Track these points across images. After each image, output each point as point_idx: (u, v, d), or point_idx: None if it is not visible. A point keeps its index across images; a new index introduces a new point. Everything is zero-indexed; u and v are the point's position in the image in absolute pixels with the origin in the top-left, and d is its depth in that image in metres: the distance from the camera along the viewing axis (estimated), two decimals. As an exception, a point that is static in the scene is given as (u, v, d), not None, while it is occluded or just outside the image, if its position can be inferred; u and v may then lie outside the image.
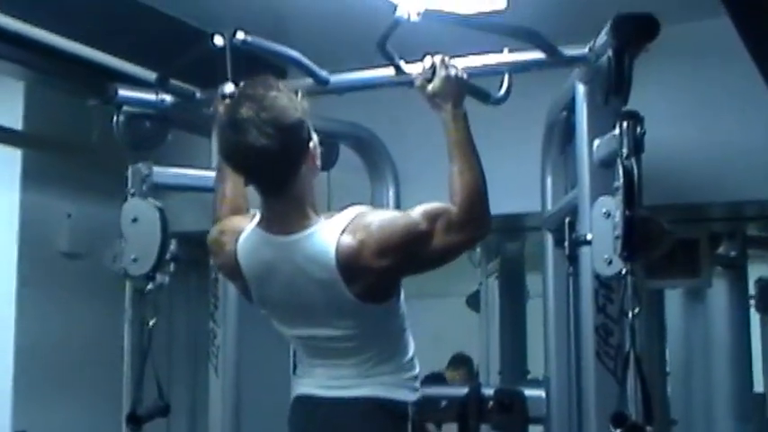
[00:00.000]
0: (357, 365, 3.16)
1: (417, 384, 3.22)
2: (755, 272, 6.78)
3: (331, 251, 2.98)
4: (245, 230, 3.19)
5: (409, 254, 3.02)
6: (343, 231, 3.00)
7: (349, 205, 3.10)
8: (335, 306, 3.07)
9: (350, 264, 2.98)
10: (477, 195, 3.08)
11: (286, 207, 3.07)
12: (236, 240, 3.19)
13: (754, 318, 6.80)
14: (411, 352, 3.25)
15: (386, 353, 3.18)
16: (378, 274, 3.02)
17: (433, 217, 3.02)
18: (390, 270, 3.04)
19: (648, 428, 3.19)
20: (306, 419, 3.25)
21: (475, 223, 3.10)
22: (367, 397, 3.13)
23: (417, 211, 3.04)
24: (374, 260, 2.98)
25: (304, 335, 3.22)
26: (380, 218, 3.07)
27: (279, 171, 3.01)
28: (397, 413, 3.14)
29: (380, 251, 2.97)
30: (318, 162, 3.16)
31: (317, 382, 3.22)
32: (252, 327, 3.57)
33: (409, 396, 3.18)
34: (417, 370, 3.26)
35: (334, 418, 3.17)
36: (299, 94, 3.08)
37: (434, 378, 6.59)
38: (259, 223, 3.14)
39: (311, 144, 3.09)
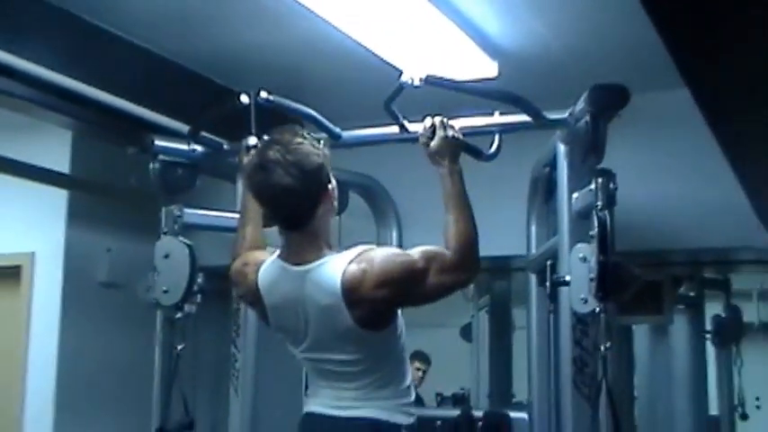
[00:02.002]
0: (358, 389, 3.15)
1: (412, 410, 3.21)
2: (711, 310, 6.78)
3: (338, 279, 3.00)
4: (265, 262, 3.22)
5: (405, 288, 3.05)
6: (350, 262, 3.02)
7: (358, 244, 3.11)
8: (339, 331, 3.07)
9: (352, 291, 2.99)
10: (469, 243, 3.11)
11: (303, 240, 3.10)
12: (257, 271, 3.22)
13: (710, 350, 6.79)
14: (408, 380, 3.24)
15: (385, 379, 3.17)
16: (376, 303, 3.03)
17: (429, 258, 3.05)
18: (387, 300, 3.05)
19: (617, 448, 3.18)
20: None
21: (466, 267, 3.13)
22: (366, 418, 3.13)
23: (416, 251, 3.07)
24: (374, 290, 2.99)
25: (313, 357, 3.21)
26: (384, 254, 3.09)
27: (300, 207, 3.05)
28: None
29: (380, 282, 2.99)
30: (335, 203, 3.19)
31: (323, 401, 3.22)
32: (269, 352, 3.57)
33: (404, 420, 3.17)
34: (413, 397, 3.25)
35: None
36: (322, 143, 3.12)
37: (457, 398, 6.62)
38: (279, 255, 3.16)
39: (330, 186, 3.12)
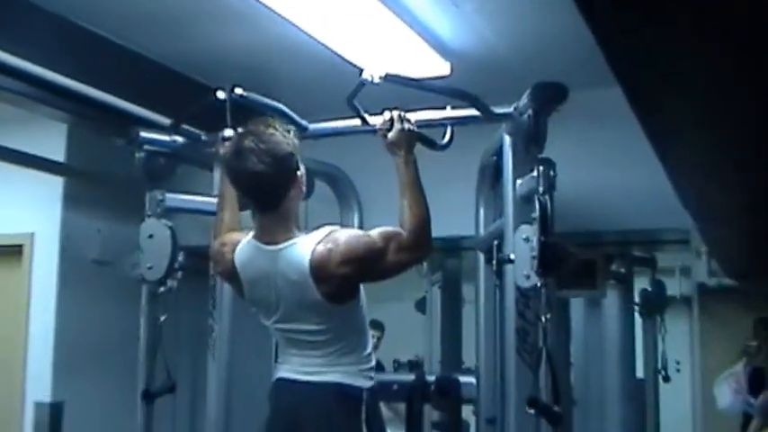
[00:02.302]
0: (324, 356, 3.16)
1: (372, 374, 3.22)
2: (639, 284, 6.80)
3: (306, 258, 3.01)
4: (241, 242, 3.22)
5: (367, 265, 3.06)
6: (318, 243, 3.03)
7: (324, 225, 3.13)
8: (307, 304, 3.08)
9: (320, 268, 3.01)
10: (422, 224, 3.10)
11: (275, 222, 3.10)
12: (234, 250, 3.22)
13: (638, 320, 6.80)
14: (369, 348, 3.25)
15: (348, 347, 3.17)
16: (341, 279, 3.04)
17: (388, 238, 3.07)
18: (351, 276, 3.06)
19: (556, 408, 3.17)
20: (282, 397, 3.26)
21: (420, 246, 3.13)
22: (331, 382, 3.14)
23: (376, 232, 3.09)
24: (339, 267, 3.01)
25: (283, 328, 3.21)
26: (347, 235, 3.11)
27: (271, 192, 3.06)
28: (354, 396, 3.14)
29: (345, 261, 3.01)
30: (304, 188, 3.20)
31: (293, 368, 3.22)
32: (242, 323, 3.55)
33: (365, 383, 3.18)
34: (373, 362, 3.26)
35: (304, 397, 3.18)
36: (292, 133, 3.13)
37: (413, 364, 6.62)
38: (253, 236, 3.16)
39: (299, 173, 3.12)
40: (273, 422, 3.29)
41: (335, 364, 3.16)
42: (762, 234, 4.18)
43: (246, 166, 2.99)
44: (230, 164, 3.10)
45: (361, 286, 3.18)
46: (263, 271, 3.14)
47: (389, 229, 3.11)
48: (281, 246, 3.08)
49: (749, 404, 6.32)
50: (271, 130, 3.05)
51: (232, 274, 3.27)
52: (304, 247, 3.05)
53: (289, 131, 3.12)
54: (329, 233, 3.09)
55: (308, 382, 3.18)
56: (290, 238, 3.08)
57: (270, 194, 3.07)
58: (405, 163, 3.21)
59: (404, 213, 3.13)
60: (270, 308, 3.21)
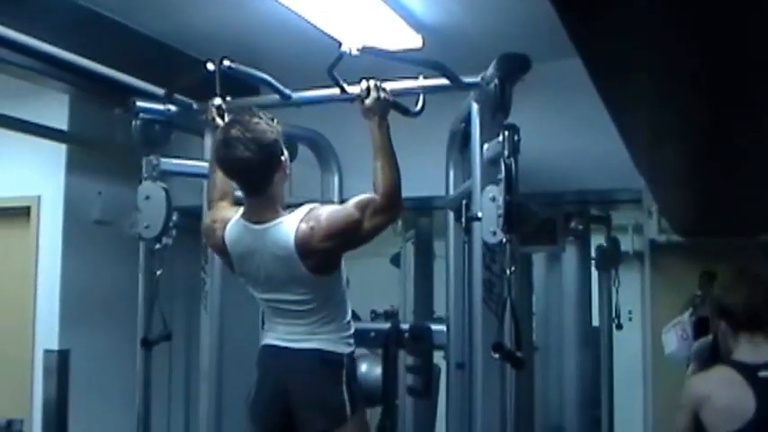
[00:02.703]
0: (308, 325, 3.18)
1: (352, 341, 3.26)
2: (596, 241, 6.79)
3: (291, 236, 3.03)
4: (231, 220, 3.21)
5: (348, 237, 3.08)
6: (300, 221, 3.04)
7: (305, 202, 3.16)
8: (293, 277, 3.09)
9: (304, 245, 3.03)
10: (393, 186, 3.12)
11: (262, 204, 3.11)
12: (224, 227, 3.22)
13: (594, 274, 6.81)
14: (348, 316, 3.27)
15: (330, 316, 3.19)
16: (324, 253, 3.07)
17: (363, 207, 3.09)
18: (333, 249, 3.09)
19: (518, 353, 3.17)
20: (270, 362, 3.30)
21: (393, 207, 3.15)
22: (314, 348, 3.17)
23: (351, 204, 3.11)
24: (321, 243, 3.04)
25: (270, 298, 3.23)
26: (327, 211, 3.11)
27: (258, 177, 3.06)
28: (335, 361, 3.18)
29: (327, 236, 3.04)
30: (288, 172, 3.18)
31: (278, 335, 3.26)
32: (232, 277, 3.52)
33: (345, 349, 3.22)
34: (352, 330, 3.28)
35: (289, 362, 3.22)
36: (275, 121, 3.12)
37: (388, 314, 6.64)
38: (242, 215, 3.17)
39: (283, 158, 3.12)
40: (262, 385, 3.31)
41: (318, 332, 3.19)
42: (707, 195, 4.17)
43: (234, 154, 2.98)
44: (218, 152, 3.08)
45: (342, 261, 3.21)
46: (251, 248, 3.14)
47: (363, 197, 3.13)
48: (267, 225, 3.09)
49: (694, 350, 6.36)
50: (256, 119, 3.04)
51: (222, 250, 3.28)
52: (288, 225, 3.06)
53: (272, 119, 3.12)
54: (310, 211, 3.10)
55: (292, 349, 3.21)
56: (276, 218, 3.09)
57: (257, 179, 3.07)
58: (378, 128, 3.21)
59: (377, 175, 3.13)
60: (258, 281, 3.22)
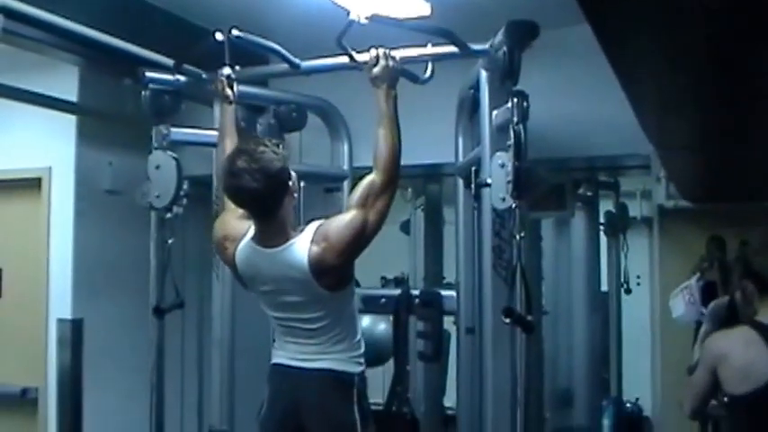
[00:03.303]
0: (319, 344, 3.18)
1: (362, 360, 3.25)
2: (604, 206, 6.80)
3: (304, 259, 3.02)
4: (242, 241, 3.19)
5: (358, 244, 3.07)
6: (311, 243, 3.03)
7: (311, 221, 3.14)
8: (309, 297, 3.09)
9: (318, 266, 3.02)
10: (393, 157, 3.12)
11: (272, 228, 3.09)
12: (236, 248, 3.20)
13: (603, 239, 6.82)
14: (359, 335, 3.27)
15: (341, 335, 3.19)
16: (340, 268, 3.07)
17: (364, 200, 3.08)
18: (348, 261, 3.10)
19: (528, 318, 3.17)
20: (281, 381, 3.29)
21: (392, 181, 3.14)
22: (324, 368, 3.18)
23: (353, 204, 3.10)
24: (336, 259, 3.03)
25: (283, 317, 3.22)
26: (333, 227, 3.07)
27: (266, 204, 3.04)
28: (345, 381, 3.18)
29: (339, 253, 3.02)
30: (296, 194, 3.16)
31: (289, 354, 3.25)
32: None
33: (356, 369, 3.22)
34: (362, 349, 3.27)
35: (301, 382, 3.21)
36: (281, 146, 3.08)
37: (399, 281, 6.67)
38: (252, 238, 3.15)
39: (290, 182, 3.08)
40: (273, 403, 3.31)
41: (329, 352, 3.19)
42: (715, 160, 4.18)
43: (242, 185, 2.97)
44: (226, 182, 3.07)
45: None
46: (263, 271, 3.14)
47: (362, 187, 3.12)
48: (279, 248, 3.08)
49: (701, 313, 6.37)
50: (261, 148, 3.02)
51: (233, 268, 3.28)
52: (300, 248, 3.05)
53: (278, 145, 3.09)
54: (317, 229, 3.08)
55: (303, 368, 3.21)
56: (287, 240, 3.08)
57: (265, 207, 3.06)
58: (386, 96, 3.22)
59: (378, 141, 3.13)
60: (271, 301, 3.22)
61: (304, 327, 3.18)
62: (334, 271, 3.05)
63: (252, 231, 3.17)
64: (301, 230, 3.11)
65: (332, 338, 3.18)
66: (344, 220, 3.09)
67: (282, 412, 3.26)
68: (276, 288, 3.14)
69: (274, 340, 3.36)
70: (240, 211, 3.24)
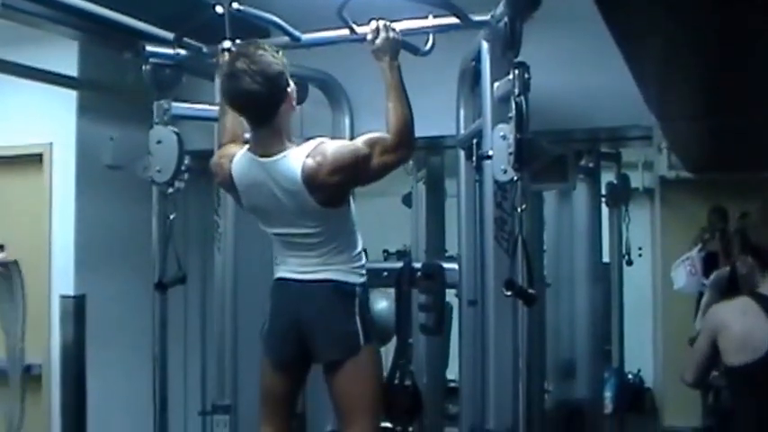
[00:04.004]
0: (319, 256, 3.21)
1: (363, 271, 3.28)
2: (606, 178, 6.80)
3: (298, 170, 3.03)
4: (237, 154, 3.22)
5: (355, 171, 3.08)
6: (307, 156, 3.04)
7: (313, 137, 3.14)
8: (303, 210, 3.10)
9: (311, 180, 3.03)
10: (405, 125, 3.13)
11: (268, 135, 3.10)
12: (231, 161, 3.23)
13: (605, 210, 6.83)
14: (360, 247, 3.30)
15: (341, 247, 3.22)
16: (332, 187, 3.07)
17: (372, 143, 3.10)
18: (341, 183, 3.09)
19: (530, 290, 3.17)
20: (282, 295, 3.32)
21: (404, 146, 3.16)
22: (326, 279, 3.21)
23: (361, 140, 3.12)
24: (329, 177, 3.04)
25: (281, 233, 3.24)
26: (334, 146, 3.11)
27: (264, 108, 3.05)
28: (347, 291, 3.22)
29: (333, 170, 3.04)
30: (294, 103, 3.18)
31: (290, 268, 3.28)
32: (245, 218, 3.55)
33: (357, 279, 3.25)
34: (364, 260, 3.30)
35: (302, 294, 3.25)
36: (280, 52, 3.10)
37: (401, 253, 6.68)
38: (249, 148, 3.17)
39: (289, 89, 3.11)
40: (276, 317, 3.35)
41: (330, 263, 3.21)
42: (717, 131, 4.18)
43: (241, 87, 2.98)
44: (225, 85, 3.08)
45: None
46: (258, 180, 3.15)
47: (374, 134, 3.13)
48: (273, 158, 3.09)
49: (703, 284, 6.40)
50: (261, 51, 3.03)
51: (230, 185, 3.29)
52: (295, 159, 3.06)
53: (277, 51, 3.10)
54: (317, 145, 3.09)
55: (305, 280, 3.24)
56: (282, 151, 3.09)
57: (263, 111, 3.07)
58: (389, 68, 3.23)
59: (389, 114, 3.15)
60: (267, 215, 3.24)
61: (303, 241, 3.20)
62: (327, 187, 3.06)
63: (247, 146, 3.20)
64: (300, 143, 3.13)
65: (332, 250, 3.20)
66: (347, 145, 3.15)
67: (285, 325, 3.30)
68: (271, 200, 3.15)
69: (276, 257, 3.38)
70: (236, 146, 3.29)
